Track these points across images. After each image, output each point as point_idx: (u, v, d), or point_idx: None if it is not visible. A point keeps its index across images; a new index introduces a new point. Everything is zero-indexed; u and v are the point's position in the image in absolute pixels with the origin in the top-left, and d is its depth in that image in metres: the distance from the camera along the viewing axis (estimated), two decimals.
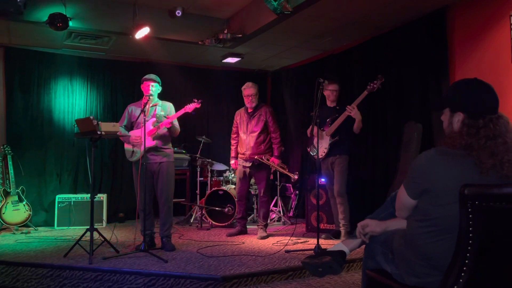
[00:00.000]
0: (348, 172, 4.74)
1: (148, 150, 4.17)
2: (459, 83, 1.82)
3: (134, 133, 4.27)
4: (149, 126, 4.21)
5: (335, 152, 4.71)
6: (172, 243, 4.29)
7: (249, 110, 4.96)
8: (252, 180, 5.49)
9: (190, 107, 4.21)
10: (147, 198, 4.22)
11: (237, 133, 5.10)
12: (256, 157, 4.85)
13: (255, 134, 4.89)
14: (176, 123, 4.32)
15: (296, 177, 5.19)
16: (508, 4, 3.97)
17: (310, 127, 4.49)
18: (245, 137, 4.94)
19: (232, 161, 5.16)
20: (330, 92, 4.79)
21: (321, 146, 4.74)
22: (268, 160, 4.87)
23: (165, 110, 4.35)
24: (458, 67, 4.44)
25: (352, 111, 4.49)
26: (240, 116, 5.07)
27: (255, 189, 5.79)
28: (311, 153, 4.87)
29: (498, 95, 1.72)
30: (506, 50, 3.98)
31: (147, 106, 4.29)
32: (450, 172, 1.64)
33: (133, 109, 4.38)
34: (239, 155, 5.02)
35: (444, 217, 1.65)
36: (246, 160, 4.94)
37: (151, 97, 4.24)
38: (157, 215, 4.40)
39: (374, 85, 4.40)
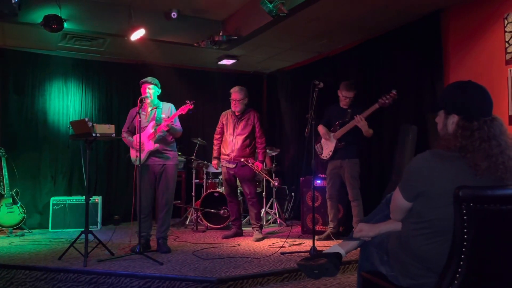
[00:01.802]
0: (362, 176, 4.66)
1: (152, 153, 4.18)
2: (454, 85, 1.83)
3: (137, 138, 4.26)
4: (150, 129, 4.22)
5: (343, 155, 4.63)
6: (168, 245, 4.28)
7: (237, 113, 4.97)
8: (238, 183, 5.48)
9: (183, 109, 4.20)
10: (147, 201, 4.22)
11: (221, 134, 5.10)
12: (242, 159, 4.86)
13: (242, 137, 4.89)
14: (176, 124, 4.32)
15: (276, 183, 5.20)
16: (502, 7, 4.00)
17: (306, 129, 4.48)
18: (231, 138, 4.94)
19: (214, 161, 5.15)
20: (342, 97, 4.69)
21: (327, 148, 4.72)
22: (252, 164, 4.88)
23: (166, 111, 4.35)
24: (453, 69, 4.46)
25: (360, 122, 4.42)
26: (226, 118, 5.06)
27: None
28: (316, 150, 4.82)
29: (492, 97, 1.73)
30: (500, 52, 4.00)
31: (148, 109, 4.30)
32: (445, 174, 1.64)
33: (134, 112, 4.37)
34: (223, 156, 5.02)
35: (439, 219, 1.66)
36: (229, 162, 4.94)
37: (147, 99, 4.24)
38: (154, 217, 4.39)
39: (386, 100, 4.27)
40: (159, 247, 4.22)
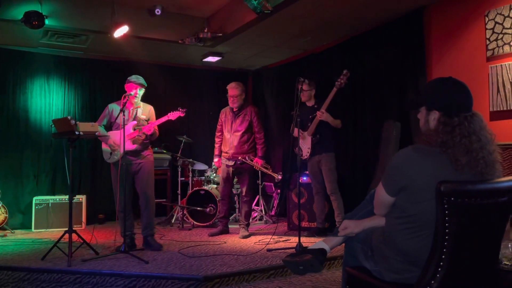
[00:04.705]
0: (336, 169, 4.75)
1: (128, 152, 4.16)
2: (434, 82, 1.86)
3: (114, 134, 4.22)
4: (129, 129, 4.19)
5: (320, 151, 4.72)
6: (158, 242, 4.30)
7: (234, 110, 4.95)
8: (235, 180, 5.48)
9: (173, 115, 4.19)
10: (126, 199, 4.18)
11: (221, 131, 5.08)
12: (239, 157, 4.85)
13: (239, 133, 4.88)
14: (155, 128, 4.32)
15: (279, 177, 5.20)
16: (483, 4, 4.06)
17: (291, 126, 4.51)
18: (229, 136, 4.93)
19: (216, 159, 5.14)
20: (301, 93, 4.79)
21: (305, 147, 4.78)
22: (251, 160, 4.87)
23: (146, 113, 4.34)
24: (435, 66, 4.52)
25: (322, 115, 4.54)
26: (225, 115, 5.04)
27: (237, 188, 5.79)
28: (298, 154, 4.87)
29: (473, 93, 1.76)
30: (481, 49, 4.07)
31: (130, 108, 4.28)
32: (426, 169, 1.66)
33: (114, 109, 4.33)
34: (223, 154, 5.01)
35: (421, 213, 1.68)
36: (229, 159, 4.93)
37: (134, 99, 4.22)
38: (138, 216, 4.37)
39: (341, 81, 4.45)
40: (149, 245, 4.22)
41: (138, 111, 4.30)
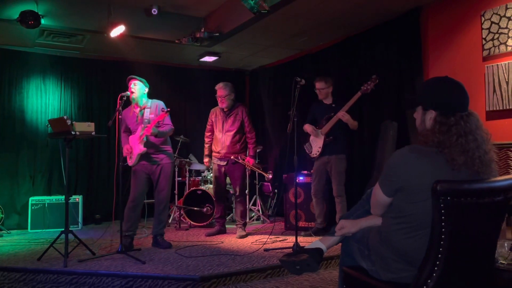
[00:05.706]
0: (346, 172, 4.69)
1: (143, 155, 4.22)
2: (430, 81, 1.86)
3: (130, 140, 4.30)
4: (139, 131, 4.22)
5: (330, 151, 4.65)
6: (167, 241, 4.39)
7: (225, 110, 4.94)
8: (228, 179, 5.48)
9: (160, 116, 4.17)
10: (139, 200, 4.29)
11: (211, 131, 5.06)
12: (232, 157, 4.84)
13: (231, 133, 4.87)
14: (163, 127, 4.28)
15: (270, 176, 5.20)
16: (479, 4, 4.07)
17: (289, 125, 4.50)
18: (221, 136, 4.92)
19: (206, 159, 5.13)
20: (318, 91, 4.77)
21: (316, 145, 4.74)
22: (243, 160, 4.87)
23: (154, 111, 4.34)
24: (432, 65, 4.53)
25: (344, 117, 4.48)
26: (215, 115, 5.03)
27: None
28: (306, 150, 4.86)
29: (470, 93, 1.76)
30: (478, 49, 4.08)
31: (136, 110, 4.32)
32: (423, 169, 1.67)
33: (125, 115, 4.36)
34: (214, 154, 5.00)
35: (418, 213, 1.68)
36: (221, 159, 4.92)
37: (132, 96, 4.23)
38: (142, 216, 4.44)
39: (368, 86, 4.35)
40: (158, 244, 4.32)
41: (145, 112, 4.30)
